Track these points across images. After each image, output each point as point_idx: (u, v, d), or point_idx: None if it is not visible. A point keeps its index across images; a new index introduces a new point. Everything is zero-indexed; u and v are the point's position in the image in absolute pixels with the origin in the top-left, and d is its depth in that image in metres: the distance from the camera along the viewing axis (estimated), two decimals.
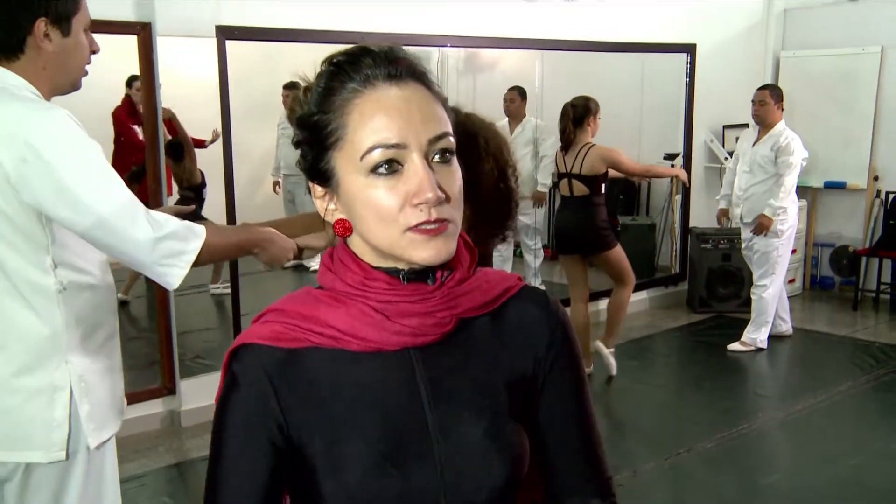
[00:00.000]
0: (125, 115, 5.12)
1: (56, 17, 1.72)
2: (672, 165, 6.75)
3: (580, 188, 4.70)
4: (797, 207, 5.30)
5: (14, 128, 1.63)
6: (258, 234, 1.89)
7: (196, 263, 1.73)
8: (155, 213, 1.73)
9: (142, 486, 3.62)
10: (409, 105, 0.89)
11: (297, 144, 0.96)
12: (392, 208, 0.88)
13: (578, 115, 4.72)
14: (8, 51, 1.71)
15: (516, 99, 6.20)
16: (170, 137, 5.22)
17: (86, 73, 1.84)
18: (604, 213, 4.74)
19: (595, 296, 6.19)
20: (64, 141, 1.66)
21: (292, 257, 1.92)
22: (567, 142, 4.73)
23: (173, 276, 1.71)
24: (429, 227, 0.88)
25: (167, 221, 1.71)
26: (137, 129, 5.09)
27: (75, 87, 1.84)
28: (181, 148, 5.30)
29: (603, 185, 4.74)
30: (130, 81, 5.99)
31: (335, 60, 0.92)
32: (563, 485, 1.04)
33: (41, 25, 1.71)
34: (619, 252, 4.78)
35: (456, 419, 0.95)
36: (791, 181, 5.07)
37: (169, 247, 1.69)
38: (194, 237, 1.73)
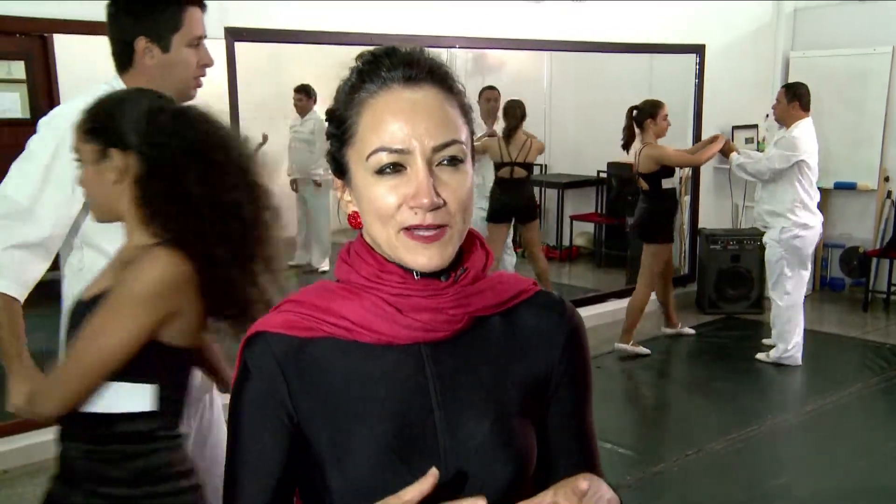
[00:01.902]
0: None
1: (156, 36, 1.87)
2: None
3: (643, 184, 5.08)
4: (808, 217, 4.88)
5: None
6: None
7: None
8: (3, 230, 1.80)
9: None
10: (418, 110, 0.91)
11: (327, 136, 0.99)
12: (390, 207, 0.90)
13: (638, 118, 5.06)
14: (121, 64, 1.89)
15: (499, 98, 5.92)
16: None
17: (198, 85, 1.98)
18: (659, 207, 5.11)
19: (601, 298, 6.19)
20: (35, 140, 1.85)
21: (14, 409, 1.80)
22: (626, 142, 5.11)
23: None
24: (424, 233, 0.90)
25: None
26: None
27: (185, 97, 1.93)
28: None
29: (662, 182, 5.07)
30: None
31: (362, 59, 0.95)
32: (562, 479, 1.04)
33: (141, 43, 1.86)
34: (655, 251, 5.10)
35: (463, 416, 0.96)
36: (766, 162, 4.88)
37: None
38: None
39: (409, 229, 0.90)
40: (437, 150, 0.90)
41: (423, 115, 0.90)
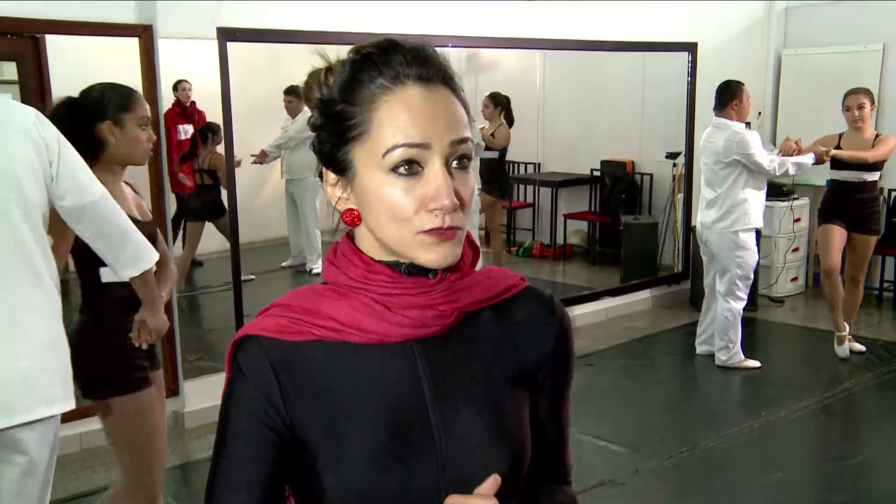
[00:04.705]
0: (173, 116, 5.84)
1: None
2: (674, 165, 6.76)
3: None
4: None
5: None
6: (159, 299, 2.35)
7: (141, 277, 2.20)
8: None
9: None
10: (435, 107, 0.90)
11: (314, 127, 0.96)
12: (407, 210, 0.89)
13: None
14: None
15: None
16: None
17: None
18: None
19: (595, 296, 6.20)
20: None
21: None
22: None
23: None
24: (441, 232, 0.90)
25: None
26: (187, 127, 6.07)
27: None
28: (215, 131, 5.78)
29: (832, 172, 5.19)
30: (177, 84, 6.30)
31: (365, 52, 0.92)
32: (537, 471, 1.06)
33: None
34: (821, 231, 5.20)
35: (458, 413, 0.96)
36: None
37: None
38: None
39: (427, 231, 0.90)
40: (454, 144, 0.90)
41: (440, 112, 0.90)
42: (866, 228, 5.09)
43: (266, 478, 0.93)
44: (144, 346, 2.33)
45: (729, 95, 4.89)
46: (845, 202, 5.05)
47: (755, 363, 5.02)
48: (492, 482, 0.90)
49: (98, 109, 2.37)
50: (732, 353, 5.00)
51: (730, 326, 4.98)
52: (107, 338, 2.37)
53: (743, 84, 4.94)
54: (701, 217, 5.08)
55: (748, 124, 6.30)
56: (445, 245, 0.91)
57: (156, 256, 2.22)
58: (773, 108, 6.96)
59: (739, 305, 4.99)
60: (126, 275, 2.16)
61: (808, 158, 4.96)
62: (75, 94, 2.41)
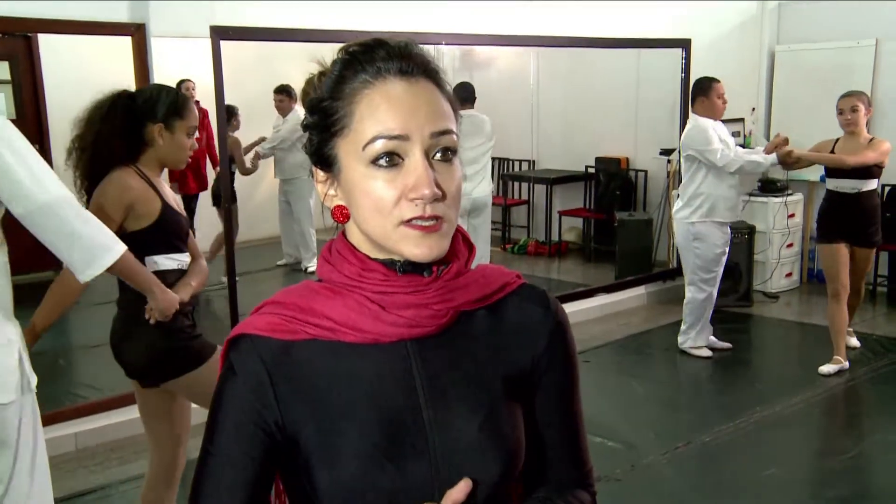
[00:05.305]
0: None
1: None
2: (669, 161, 6.77)
3: None
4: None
5: None
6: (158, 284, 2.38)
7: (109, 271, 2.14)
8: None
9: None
10: (416, 99, 0.90)
11: (305, 127, 0.97)
12: (388, 201, 0.89)
13: None
14: None
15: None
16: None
17: None
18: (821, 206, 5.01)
19: (590, 293, 6.21)
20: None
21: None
22: None
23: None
24: (423, 223, 0.89)
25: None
26: None
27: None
28: (233, 113, 5.91)
29: (827, 181, 4.96)
30: (180, 84, 6.28)
31: (351, 50, 0.93)
32: (548, 474, 1.05)
33: None
34: (826, 251, 4.92)
35: (452, 413, 0.96)
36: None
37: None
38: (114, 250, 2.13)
39: (408, 221, 0.89)
40: (434, 136, 0.89)
41: (421, 104, 0.90)
42: (868, 242, 4.88)
43: (253, 477, 0.94)
44: (152, 322, 2.39)
45: (698, 92, 4.93)
46: (845, 217, 4.77)
47: (707, 353, 5.11)
48: (463, 486, 0.90)
49: (152, 109, 2.41)
50: (689, 337, 5.12)
51: (690, 313, 5.09)
52: (148, 327, 2.39)
53: (715, 81, 4.89)
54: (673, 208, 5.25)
55: (741, 121, 6.34)
56: (430, 238, 0.90)
57: (112, 259, 2.10)
58: (767, 104, 6.97)
59: (701, 296, 5.03)
60: (81, 278, 2.11)
61: (768, 158, 4.87)
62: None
